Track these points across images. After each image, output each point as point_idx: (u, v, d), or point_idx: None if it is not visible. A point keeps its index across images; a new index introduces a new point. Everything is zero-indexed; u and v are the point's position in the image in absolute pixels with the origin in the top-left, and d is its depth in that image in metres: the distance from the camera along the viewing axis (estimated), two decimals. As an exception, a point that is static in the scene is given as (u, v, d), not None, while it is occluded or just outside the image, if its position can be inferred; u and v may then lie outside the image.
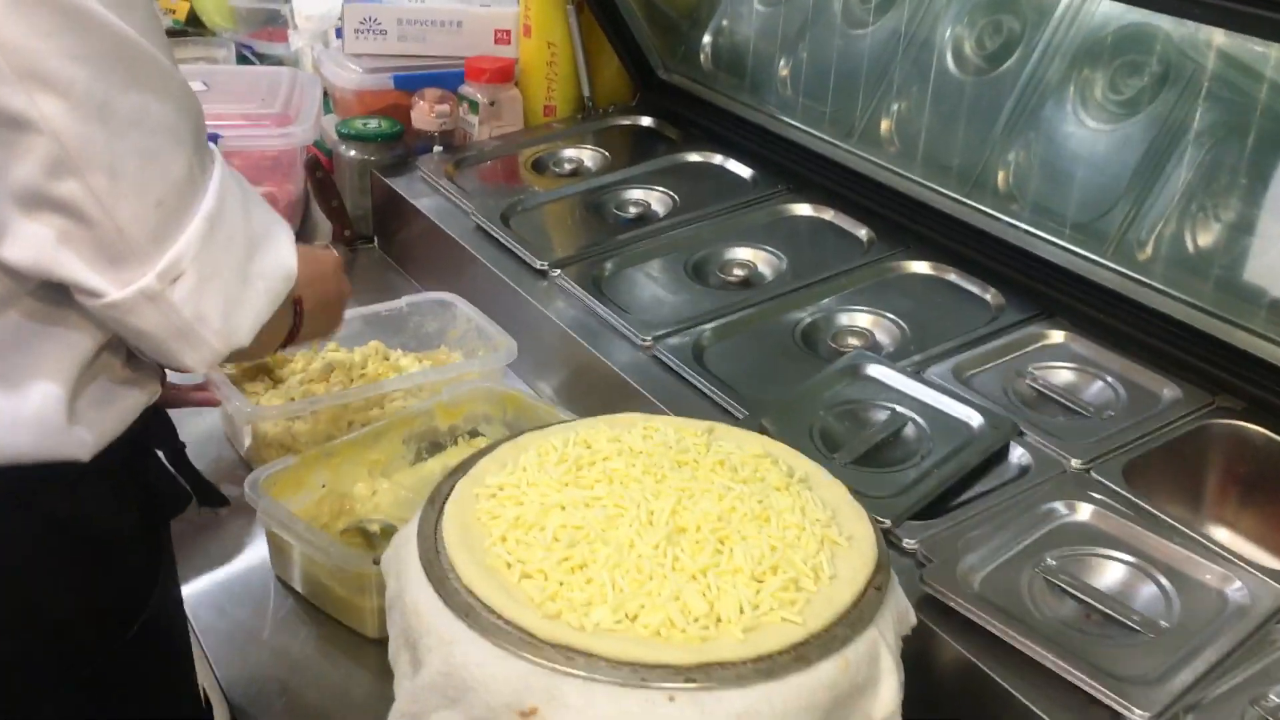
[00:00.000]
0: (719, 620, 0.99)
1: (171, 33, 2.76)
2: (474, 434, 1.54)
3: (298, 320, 1.20)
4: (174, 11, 2.84)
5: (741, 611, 0.99)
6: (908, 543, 1.25)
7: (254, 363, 1.59)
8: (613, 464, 1.15)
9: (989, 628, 1.13)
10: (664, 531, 1.06)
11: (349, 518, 1.39)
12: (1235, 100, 1.48)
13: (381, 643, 1.19)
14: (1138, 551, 1.22)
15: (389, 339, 1.68)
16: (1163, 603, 1.17)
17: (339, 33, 2.31)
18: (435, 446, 1.51)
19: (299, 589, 1.37)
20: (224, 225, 0.97)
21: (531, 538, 1.06)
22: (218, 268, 0.97)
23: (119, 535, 1.08)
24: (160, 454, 1.17)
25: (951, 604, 1.15)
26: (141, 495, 1.11)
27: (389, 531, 1.37)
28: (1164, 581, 1.19)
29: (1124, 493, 1.29)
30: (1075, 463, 1.35)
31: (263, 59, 2.68)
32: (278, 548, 1.37)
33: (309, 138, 2.08)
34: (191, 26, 2.85)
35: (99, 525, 1.05)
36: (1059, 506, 1.26)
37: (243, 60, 2.68)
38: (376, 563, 1.16)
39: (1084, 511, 1.26)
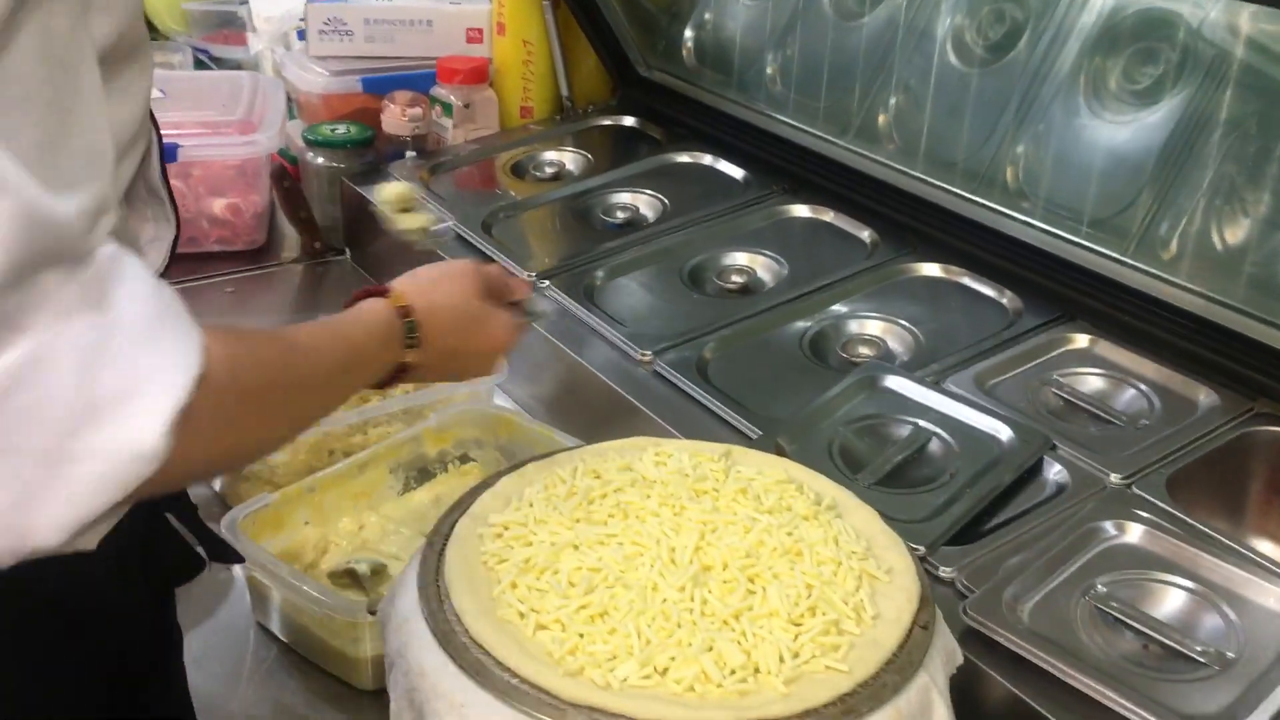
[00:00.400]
0: (757, 671, 0.92)
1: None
2: (465, 460, 1.45)
3: (399, 374, 1.04)
4: (125, 15, 2.73)
5: (782, 660, 0.92)
6: (944, 571, 1.16)
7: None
8: (626, 496, 1.07)
9: (1041, 663, 1.04)
10: (689, 572, 0.98)
11: (336, 557, 1.29)
12: (1262, 87, 1.40)
13: (377, 694, 1.11)
14: (1194, 575, 1.13)
15: (368, 359, 1.57)
16: (1226, 631, 1.08)
17: (301, 34, 2.22)
18: (424, 474, 1.42)
19: (283, 637, 1.26)
20: (30, 387, 0.69)
21: (544, 583, 0.97)
22: (6, 444, 0.70)
23: (124, 613, 0.96)
24: (170, 517, 1.06)
25: (999, 638, 1.06)
26: (150, 567, 0.99)
27: (380, 570, 1.28)
28: (1225, 608, 1.10)
29: (1170, 509, 1.21)
30: (1115, 478, 1.26)
31: (220, 63, 2.58)
32: (259, 593, 1.27)
33: (274, 145, 1.99)
34: (144, 31, 2.74)
35: (103, 605, 0.93)
36: (1106, 527, 1.17)
37: (200, 65, 2.58)
38: (372, 612, 1.07)
39: (1134, 532, 1.17)
